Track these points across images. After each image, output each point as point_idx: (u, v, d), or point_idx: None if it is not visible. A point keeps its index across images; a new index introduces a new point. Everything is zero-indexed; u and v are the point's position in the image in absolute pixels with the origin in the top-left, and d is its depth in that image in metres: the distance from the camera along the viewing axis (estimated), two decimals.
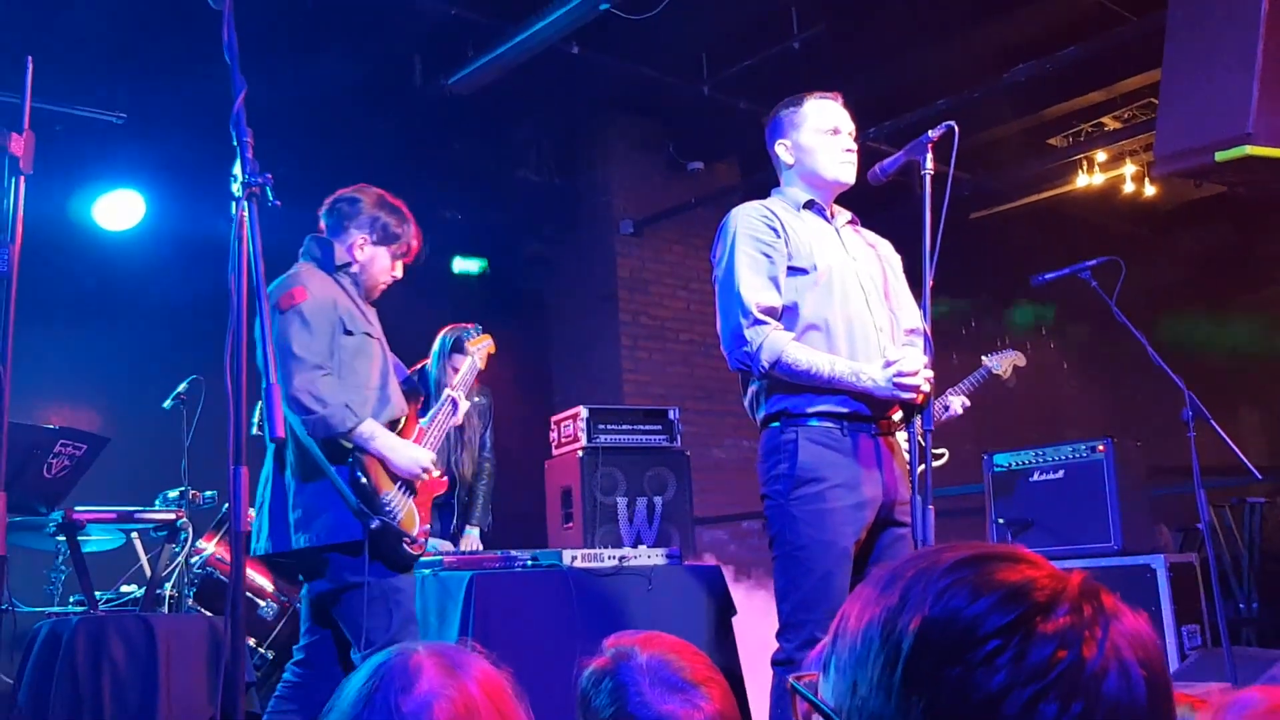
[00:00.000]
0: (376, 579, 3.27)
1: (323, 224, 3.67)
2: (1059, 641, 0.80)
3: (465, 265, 8.22)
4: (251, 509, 4.19)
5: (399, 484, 3.44)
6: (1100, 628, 0.82)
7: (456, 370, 4.98)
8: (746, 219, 3.23)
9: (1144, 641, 0.83)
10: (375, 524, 3.24)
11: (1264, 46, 4.26)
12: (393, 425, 3.50)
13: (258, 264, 2.02)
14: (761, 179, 3.54)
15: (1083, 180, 8.43)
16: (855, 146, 3.35)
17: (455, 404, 3.91)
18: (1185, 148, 4.48)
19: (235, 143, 2.10)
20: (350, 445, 3.32)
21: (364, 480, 3.31)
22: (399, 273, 3.71)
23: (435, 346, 5.05)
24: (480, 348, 4.33)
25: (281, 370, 3.28)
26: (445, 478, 3.79)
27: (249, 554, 3.42)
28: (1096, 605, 0.84)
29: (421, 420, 3.77)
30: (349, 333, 3.43)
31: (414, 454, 3.46)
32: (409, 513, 3.45)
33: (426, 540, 3.56)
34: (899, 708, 0.82)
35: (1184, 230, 9.86)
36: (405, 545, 3.38)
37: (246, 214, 2.04)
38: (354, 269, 3.59)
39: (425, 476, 3.51)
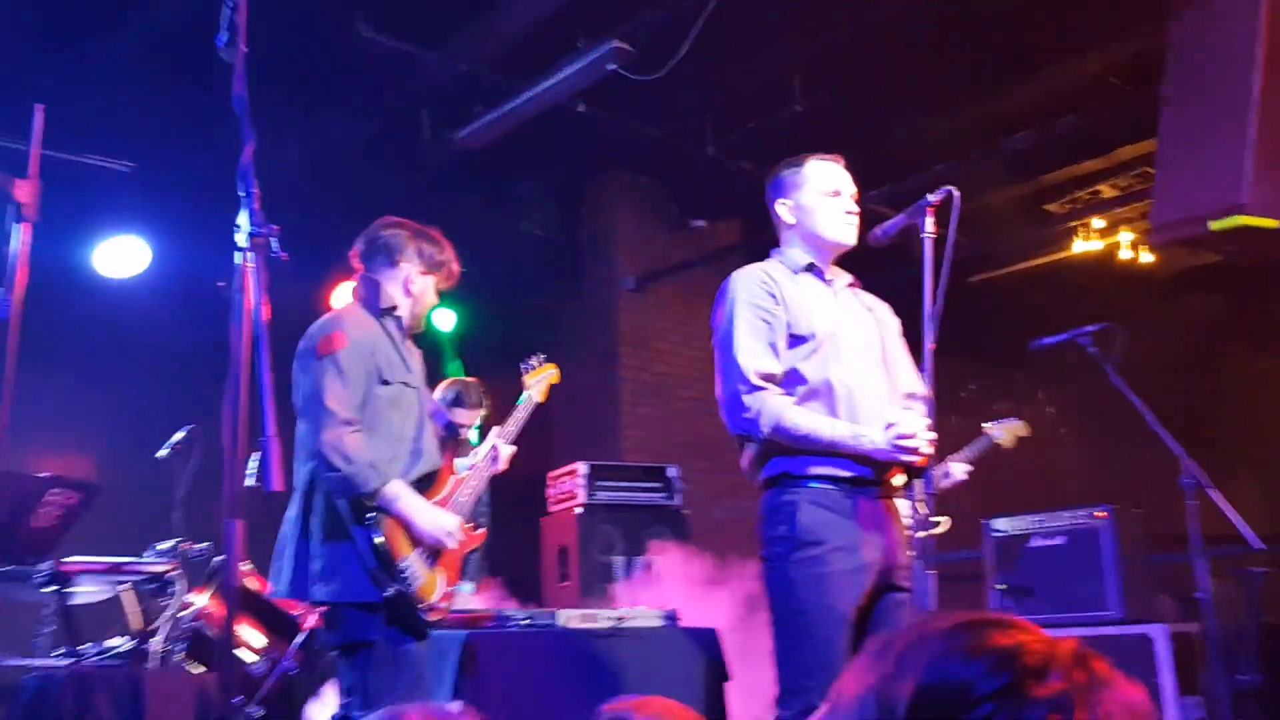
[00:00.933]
0: (387, 640, 3.20)
1: (361, 264, 3.59)
2: (1051, 706, 0.80)
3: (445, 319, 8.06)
4: (244, 563, 4.15)
5: (420, 548, 3.31)
6: (1093, 693, 0.82)
7: (460, 424, 4.97)
8: (746, 285, 3.24)
9: (1137, 710, 0.83)
10: (390, 591, 3.17)
11: (1257, 118, 4.33)
12: (427, 479, 3.39)
13: (260, 315, 2.03)
14: (763, 238, 3.55)
15: (1080, 246, 8.49)
16: (857, 208, 3.37)
17: (497, 453, 3.71)
18: (1180, 217, 4.53)
19: (242, 194, 2.12)
20: (373, 505, 3.22)
21: (381, 544, 3.20)
22: (437, 296, 3.66)
23: (443, 390, 5.04)
24: (539, 380, 4.04)
25: (310, 420, 3.23)
26: (482, 530, 3.68)
27: (274, 595, 3.39)
28: (1089, 671, 0.84)
29: (460, 464, 3.64)
30: (385, 382, 3.33)
31: (438, 520, 3.32)
32: (429, 579, 3.32)
33: (450, 602, 3.42)
34: None
35: (1182, 297, 9.89)
36: (421, 613, 3.28)
37: (251, 265, 2.05)
38: (399, 311, 3.51)
39: (450, 544, 3.35)
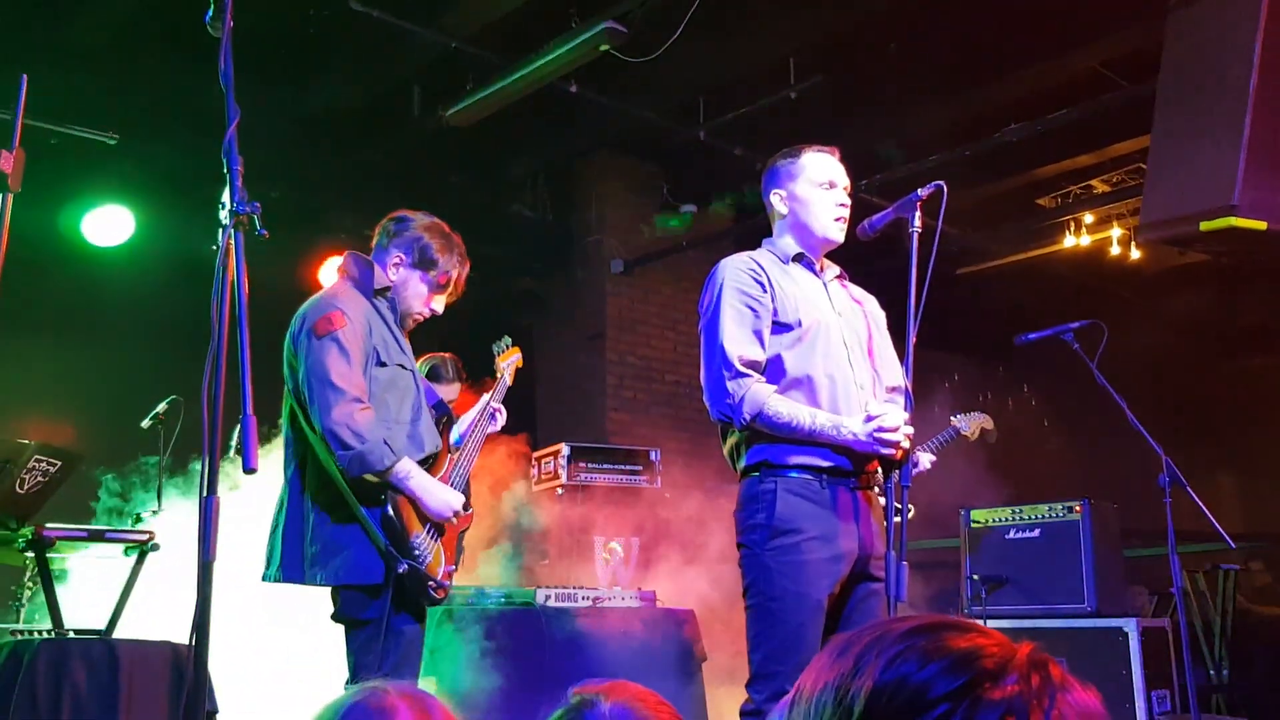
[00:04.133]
0: (385, 619, 3.16)
1: (374, 242, 3.53)
2: (1006, 708, 0.81)
3: None
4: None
5: (428, 525, 3.30)
6: (1048, 697, 0.83)
7: None
8: (734, 271, 3.24)
9: (1091, 714, 0.84)
10: (404, 568, 3.14)
11: (1252, 120, 4.33)
12: (427, 460, 3.35)
13: (241, 293, 2.02)
14: (754, 224, 3.55)
15: (1069, 241, 8.51)
16: (849, 202, 3.36)
17: (496, 412, 3.78)
18: (1171, 216, 4.54)
19: (226, 170, 2.11)
20: (382, 482, 3.16)
21: (395, 520, 3.17)
22: (438, 307, 3.51)
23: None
24: (509, 362, 4.13)
25: (317, 401, 3.13)
26: (471, 512, 3.63)
27: (263, 579, 3.30)
28: (1044, 675, 0.85)
29: (454, 432, 3.65)
30: (382, 364, 3.28)
31: (447, 497, 3.31)
32: (436, 555, 3.31)
33: (450, 581, 3.40)
34: None
35: (1168, 296, 9.94)
36: (430, 590, 3.25)
37: (233, 243, 2.04)
38: (391, 294, 3.44)
39: (455, 521, 3.37)
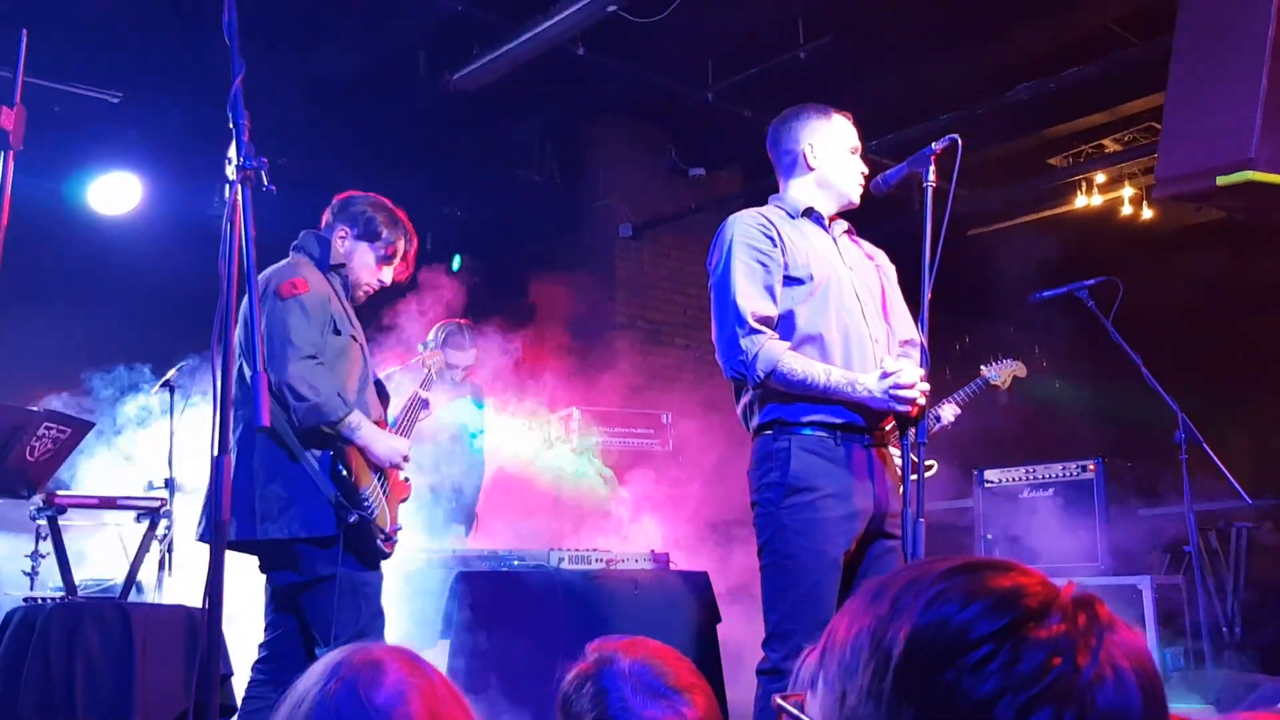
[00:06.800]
0: (347, 571, 3.27)
1: (323, 223, 3.72)
2: (1052, 648, 0.79)
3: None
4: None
5: (377, 478, 3.45)
6: (1095, 637, 0.80)
7: (451, 365, 5.00)
8: (744, 227, 3.21)
9: (1139, 653, 0.82)
10: (354, 518, 3.27)
11: (1269, 71, 4.25)
12: None
13: (249, 249, 2.00)
14: (762, 187, 3.51)
15: (1081, 201, 8.43)
16: (866, 168, 3.37)
17: (428, 401, 4.04)
18: (1187, 170, 4.46)
19: (231, 125, 2.08)
20: (332, 434, 3.32)
21: (345, 473, 3.31)
22: (386, 278, 3.71)
23: (429, 338, 5.03)
24: (432, 362, 4.34)
25: (276, 357, 3.29)
26: (408, 482, 3.78)
27: (200, 539, 3.37)
28: (1091, 615, 0.82)
29: (388, 415, 3.81)
30: (337, 332, 3.45)
31: (393, 443, 3.51)
32: (384, 510, 3.46)
33: (396, 538, 3.56)
34: (889, 716, 0.80)
35: (1180, 256, 9.86)
36: (380, 542, 3.40)
37: (240, 198, 2.01)
38: (344, 270, 3.62)
39: (404, 465, 3.55)
